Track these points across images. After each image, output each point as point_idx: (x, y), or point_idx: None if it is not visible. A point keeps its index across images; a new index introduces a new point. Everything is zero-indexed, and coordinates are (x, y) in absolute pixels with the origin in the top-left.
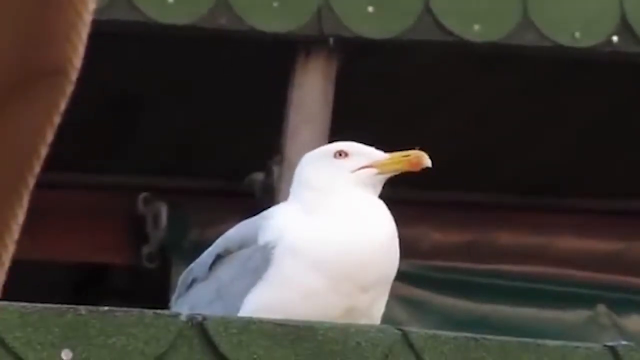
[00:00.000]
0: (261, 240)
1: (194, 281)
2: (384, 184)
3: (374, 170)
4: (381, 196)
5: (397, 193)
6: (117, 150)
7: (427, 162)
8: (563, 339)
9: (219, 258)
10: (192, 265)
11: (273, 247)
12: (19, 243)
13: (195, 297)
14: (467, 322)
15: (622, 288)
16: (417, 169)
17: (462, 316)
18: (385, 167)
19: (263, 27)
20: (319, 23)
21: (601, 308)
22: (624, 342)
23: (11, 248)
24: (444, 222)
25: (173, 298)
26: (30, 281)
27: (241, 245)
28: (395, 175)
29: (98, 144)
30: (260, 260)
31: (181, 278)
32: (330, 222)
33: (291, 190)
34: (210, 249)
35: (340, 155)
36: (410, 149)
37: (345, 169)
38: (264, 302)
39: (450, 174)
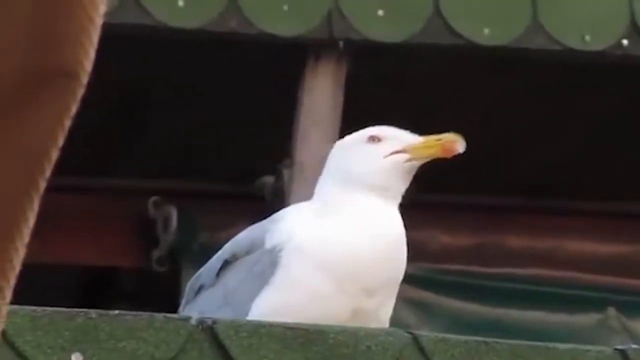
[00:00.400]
0: (268, 244)
1: (201, 287)
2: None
3: (406, 156)
4: None
5: (405, 196)
6: (127, 153)
7: (460, 147)
8: (573, 342)
9: (226, 264)
10: (200, 271)
11: (280, 250)
12: (30, 246)
13: (203, 303)
14: (477, 326)
15: (632, 291)
16: (449, 155)
17: (471, 319)
18: (418, 151)
19: (273, 30)
20: (329, 26)
21: (611, 311)
22: (634, 346)
23: (22, 251)
24: (452, 225)
25: (182, 305)
26: (41, 284)
27: (249, 250)
28: None
29: (108, 147)
30: (268, 264)
31: (189, 285)
32: (338, 223)
33: (319, 179)
34: (218, 254)
35: (373, 140)
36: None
37: (378, 154)
38: (271, 305)
39: (459, 176)
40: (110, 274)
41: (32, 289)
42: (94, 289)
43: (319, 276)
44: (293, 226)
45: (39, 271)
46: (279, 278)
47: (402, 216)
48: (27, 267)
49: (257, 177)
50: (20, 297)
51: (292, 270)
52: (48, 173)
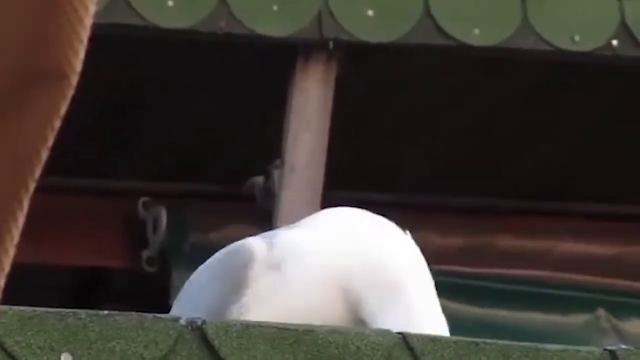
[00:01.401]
0: (270, 256)
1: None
2: (386, 188)
3: None
4: (383, 199)
5: (398, 197)
6: (117, 154)
7: None
8: (563, 342)
9: None
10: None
11: (282, 259)
12: (19, 247)
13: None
14: (468, 326)
15: (622, 292)
16: None
17: (462, 320)
18: None
19: (263, 30)
20: (318, 27)
21: (601, 312)
22: (623, 346)
23: (11, 252)
24: (445, 227)
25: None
26: (30, 285)
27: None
28: (397, 180)
29: (98, 148)
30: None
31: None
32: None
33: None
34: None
35: None
36: (411, 153)
37: None
38: (275, 315)
39: (451, 178)
40: (101, 274)
41: (22, 289)
42: (84, 289)
43: (320, 282)
44: (292, 237)
45: (29, 272)
46: (282, 288)
47: (395, 218)
48: (17, 268)
49: (248, 177)
50: (11, 297)
51: (293, 278)
52: (38, 174)
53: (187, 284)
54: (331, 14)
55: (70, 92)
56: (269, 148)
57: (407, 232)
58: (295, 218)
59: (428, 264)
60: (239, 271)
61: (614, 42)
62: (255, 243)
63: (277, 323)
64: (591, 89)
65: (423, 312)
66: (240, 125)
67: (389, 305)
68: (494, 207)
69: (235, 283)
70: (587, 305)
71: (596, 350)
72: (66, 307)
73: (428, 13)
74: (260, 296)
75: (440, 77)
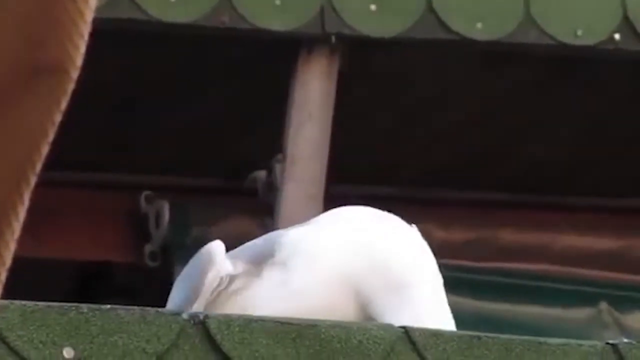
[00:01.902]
0: (277, 255)
1: None
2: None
3: None
4: (385, 193)
5: (400, 191)
6: (119, 148)
7: None
8: (565, 336)
9: None
10: None
11: (288, 259)
12: (21, 241)
13: None
14: (470, 320)
15: (625, 286)
16: None
17: (464, 314)
18: None
19: (266, 25)
20: (321, 21)
21: (603, 306)
22: (626, 340)
23: (13, 246)
24: (447, 220)
25: None
26: (32, 279)
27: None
28: (399, 174)
29: (99, 142)
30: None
31: None
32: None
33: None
34: None
35: None
36: (413, 147)
37: None
38: (282, 314)
39: (453, 171)
40: (103, 268)
41: (24, 284)
42: (86, 283)
43: (326, 281)
44: (298, 237)
45: (31, 266)
46: (289, 286)
47: (397, 211)
48: (19, 262)
49: (250, 171)
50: (13, 292)
51: (299, 277)
52: (38, 168)
53: None
54: (333, 9)
55: (71, 87)
56: (271, 142)
57: (414, 226)
58: (297, 212)
59: None
60: (199, 273)
61: (617, 36)
62: (217, 247)
63: (279, 317)
64: (593, 83)
65: (430, 311)
66: (242, 120)
67: (396, 305)
68: (496, 201)
69: (194, 285)
70: (589, 299)
71: (598, 344)
72: (68, 302)
73: (430, 7)
74: (267, 294)
75: (443, 71)
